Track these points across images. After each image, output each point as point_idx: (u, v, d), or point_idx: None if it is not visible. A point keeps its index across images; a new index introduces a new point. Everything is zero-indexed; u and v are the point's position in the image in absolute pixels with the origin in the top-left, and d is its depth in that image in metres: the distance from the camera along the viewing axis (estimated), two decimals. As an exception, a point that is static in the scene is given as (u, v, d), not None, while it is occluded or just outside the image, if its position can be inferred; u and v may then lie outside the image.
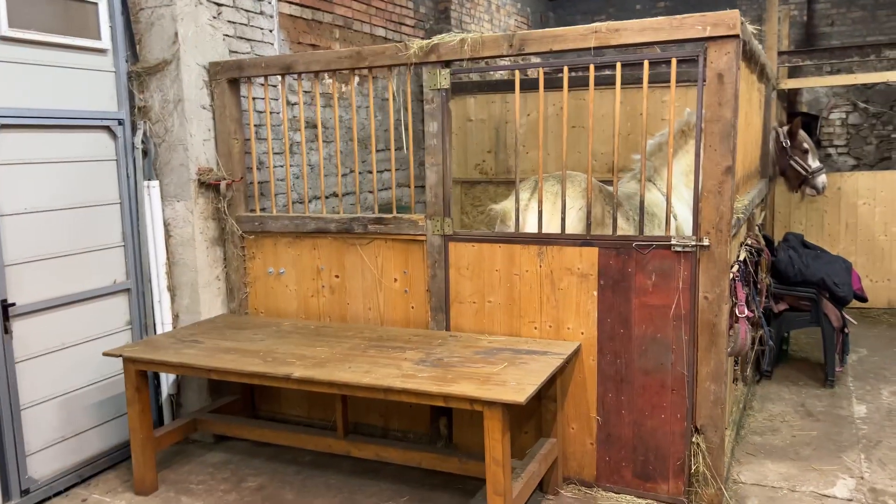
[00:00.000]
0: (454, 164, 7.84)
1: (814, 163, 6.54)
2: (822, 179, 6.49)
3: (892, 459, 4.27)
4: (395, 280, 4.41)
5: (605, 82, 6.90)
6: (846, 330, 5.50)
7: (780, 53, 8.07)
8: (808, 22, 10.66)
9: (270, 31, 5.38)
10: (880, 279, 7.45)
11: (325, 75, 5.95)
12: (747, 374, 4.76)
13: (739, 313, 3.81)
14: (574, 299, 3.91)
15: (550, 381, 3.66)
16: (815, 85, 9.09)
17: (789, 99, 9.75)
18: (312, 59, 4.37)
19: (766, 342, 4.80)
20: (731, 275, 3.79)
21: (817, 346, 6.16)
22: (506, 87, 7.39)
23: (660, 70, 7.98)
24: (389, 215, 4.34)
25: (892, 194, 7.38)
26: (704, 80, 3.52)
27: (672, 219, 4.60)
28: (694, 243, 3.60)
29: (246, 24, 5.11)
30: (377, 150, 6.75)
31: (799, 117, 6.91)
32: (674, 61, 3.62)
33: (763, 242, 5.02)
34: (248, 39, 5.14)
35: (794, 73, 9.34)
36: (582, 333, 3.91)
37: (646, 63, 3.70)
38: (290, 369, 3.59)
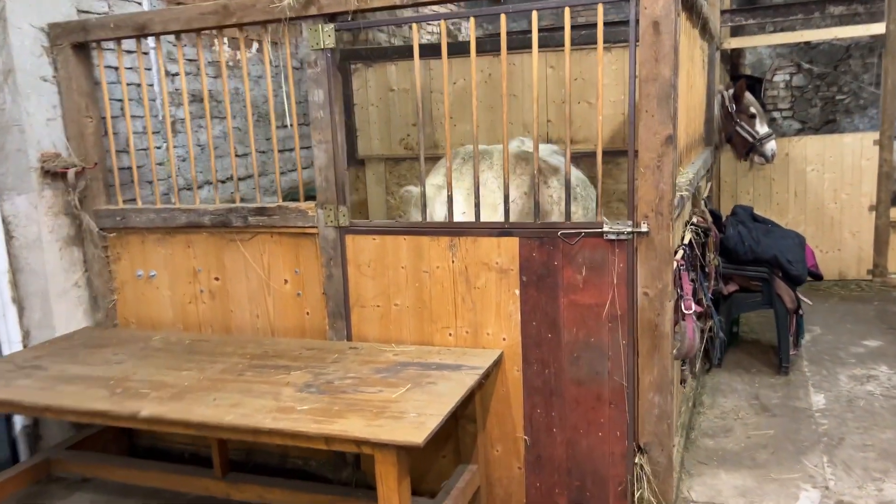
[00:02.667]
0: (376, 140, 7.13)
1: (762, 128, 6.03)
2: (771, 146, 5.99)
3: (857, 462, 3.80)
4: (286, 282, 3.70)
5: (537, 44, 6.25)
6: (801, 311, 5.02)
7: (723, 12, 7.54)
8: (750, -21, 10.17)
9: (136, -13, 4.53)
10: (830, 249, 7.05)
11: (225, 40, 5.14)
12: (696, 370, 4.23)
13: (686, 309, 3.24)
14: (493, 299, 3.28)
15: (467, 400, 3.03)
16: (761, 44, 8.61)
17: (732, 61, 9.26)
18: (171, 16, 3.57)
19: (716, 333, 4.27)
20: (676, 263, 3.20)
21: (769, 326, 5.70)
22: (430, 52, 6.66)
23: (593, 32, 7.34)
24: (273, 204, 3.62)
25: (840, 159, 6.95)
26: (637, 31, 2.88)
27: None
28: (630, 230, 2.99)
29: (101, -21, 4.26)
30: (280, 127, 5.97)
31: (743, 79, 6.37)
32: (600, 8, 2.97)
33: (710, 220, 4.47)
34: (106, -3, 4.29)
35: (736, 32, 8.84)
36: (504, 339, 3.28)
37: (566, 10, 3.04)
38: (139, 405, 2.87)
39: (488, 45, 6.43)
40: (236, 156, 5.64)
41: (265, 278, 3.73)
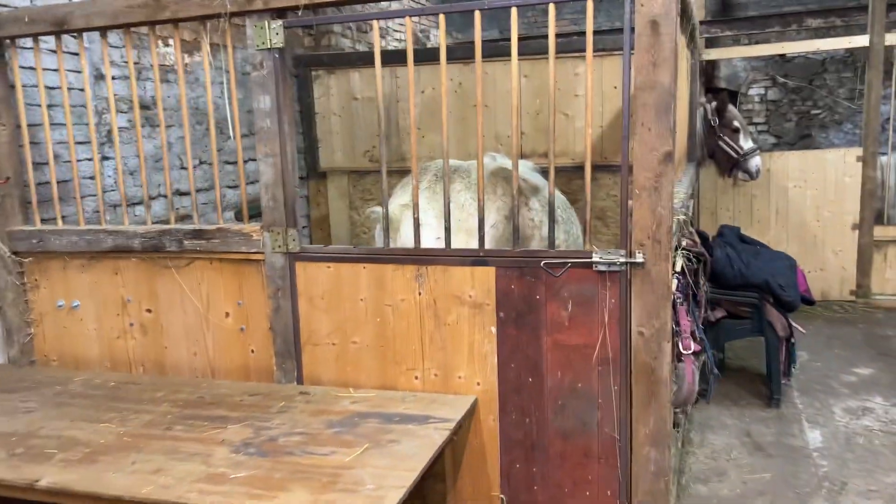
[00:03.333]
0: (339, 152, 6.67)
1: (746, 143, 5.74)
2: (755, 162, 5.69)
3: (865, 512, 3.45)
4: (227, 315, 3.23)
5: (507, 52, 5.89)
6: (793, 339, 4.69)
7: (700, 23, 7.27)
8: (724, -9, 9.97)
9: (65, -20, 4.02)
10: (813, 269, 6.78)
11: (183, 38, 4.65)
12: (690, 412, 3.85)
13: (684, 349, 2.85)
14: (466, 338, 2.85)
15: (436, 457, 2.60)
16: (741, 55, 8.37)
17: (706, 73, 9.03)
18: (94, 9, 3.10)
19: (710, 369, 3.90)
20: (672, 296, 2.81)
21: (754, 352, 5.38)
22: (397, 59, 6.24)
23: (571, 40, 7.02)
24: (212, 226, 3.15)
25: (823, 175, 6.70)
26: (633, 31, 2.50)
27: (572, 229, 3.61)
28: (623, 260, 2.59)
29: (22, -32, 3.75)
30: (237, 136, 5.49)
31: (725, 92, 6.08)
32: (590, 3, 2.58)
33: (699, 242, 4.11)
34: (27, -11, 3.78)
35: (711, 44, 8.61)
36: (478, 384, 2.86)
37: (551, 7, 2.64)
38: (40, 472, 2.38)
39: (459, 53, 6.04)
40: (182, 168, 5.15)
41: (203, 311, 3.25)
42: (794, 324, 4.66)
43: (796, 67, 9.67)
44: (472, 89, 5.89)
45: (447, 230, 2.81)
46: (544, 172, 5.66)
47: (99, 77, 4.39)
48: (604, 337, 2.66)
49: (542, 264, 2.65)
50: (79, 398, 3.06)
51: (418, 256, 2.85)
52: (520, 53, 5.98)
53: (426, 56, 5.62)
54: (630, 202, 2.62)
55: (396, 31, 8.62)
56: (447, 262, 2.81)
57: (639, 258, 2.56)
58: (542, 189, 3.62)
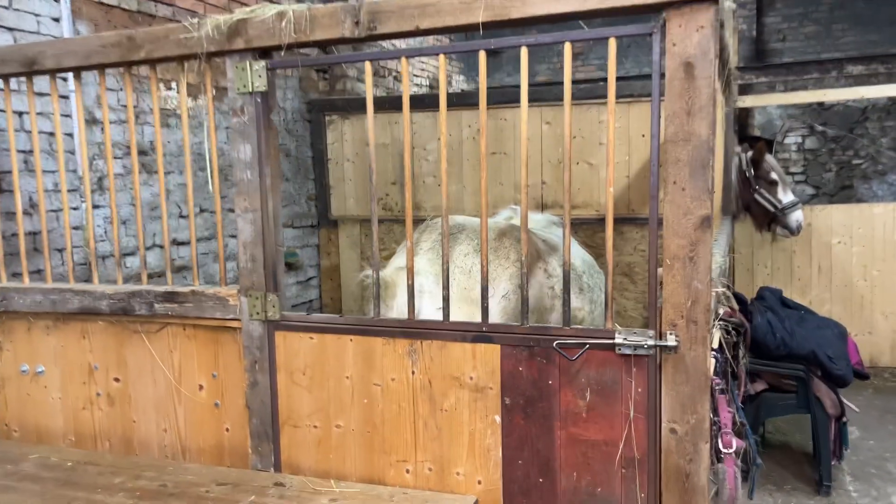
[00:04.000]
0: (352, 199, 6.38)
1: (785, 196, 5.30)
2: (796, 217, 5.24)
3: None
4: (201, 388, 2.86)
5: (530, 99, 5.58)
6: (845, 418, 4.18)
7: (735, 69, 6.91)
8: (758, 38, 9.63)
9: (55, 20, 3.82)
10: (860, 332, 6.24)
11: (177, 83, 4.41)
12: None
13: (725, 447, 2.40)
14: (466, 427, 2.44)
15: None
16: (784, 102, 7.97)
17: (740, 121, 8.65)
18: (65, 49, 2.82)
19: (752, 459, 3.41)
20: (710, 382, 2.38)
21: (798, 426, 4.86)
22: (412, 103, 5.96)
23: (597, 86, 6.68)
24: (186, 288, 2.80)
25: (870, 231, 6.20)
26: (662, 76, 2.13)
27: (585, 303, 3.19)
28: (652, 343, 2.18)
29: (6, 7, 3.54)
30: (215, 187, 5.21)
31: (763, 141, 5.68)
32: (612, 42, 2.21)
33: (737, 308, 3.67)
34: (11, 29, 3.56)
35: (745, 91, 8.24)
36: (479, 483, 2.43)
37: (567, 46, 2.29)
38: (-50, 587, 2.00)
39: (475, 98, 5.75)
40: (182, 217, 4.87)
41: (175, 382, 2.89)
42: (845, 400, 4.15)
43: (835, 115, 9.23)
44: (491, 136, 5.58)
45: (445, 300, 2.43)
46: (578, 224, 5.32)
47: (92, 121, 4.15)
48: (629, 433, 2.23)
49: (554, 344, 2.24)
50: (27, 482, 2.69)
51: (411, 329, 2.46)
52: (542, 99, 5.69)
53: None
54: (659, 271, 2.21)
55: (417, 75, 8.41)
56: (445, 337, 2.42)
57: (670, 341, 2.14)
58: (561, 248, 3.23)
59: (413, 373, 2.47)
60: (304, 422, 2.67)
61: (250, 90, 2.57)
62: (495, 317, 2.69)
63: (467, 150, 5.74)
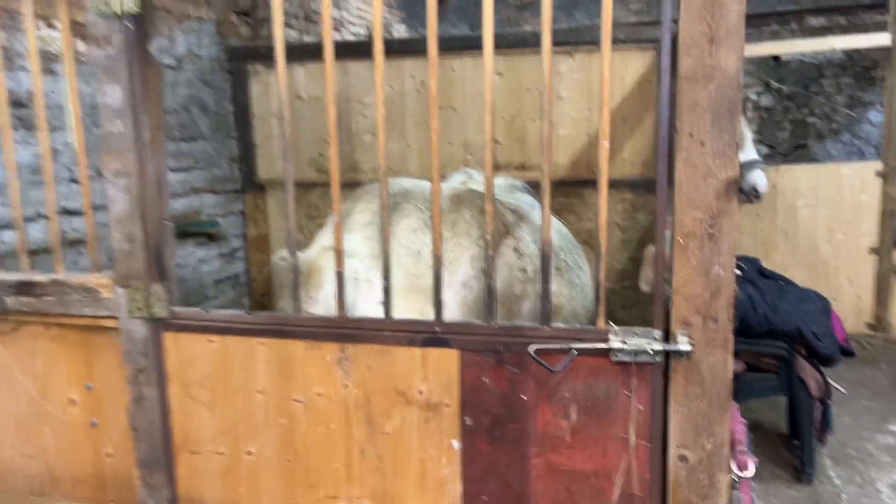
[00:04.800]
0: (281, 160, 5.69)
1: (744, 154, 4.80)
2: (755, 178, 4.57)
3: None
4: (73, 402, 2.23)
5: (478, 45, 4.97)
6: (829, 400, 3.81)
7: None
8: (713, -12, 9.18)
9: None
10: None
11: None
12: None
13: (740, 469, 1.91)
14: (415, 454, 1.88)
15: None
16: (746, 54, 7.54)
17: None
18: None
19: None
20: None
21: (769, 405, 4.51)
22: (347, 52, 5.29)
23: (556, 27, 6.10)
24: (45, 277, 2.14)
25: (837, 193, 5.87)
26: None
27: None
28: (658, 347, 1.65)
29: None
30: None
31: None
32: (613, -60, 1.63)
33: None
34: None
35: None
36: (432, 524, 1.90)
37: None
38: None
39: (421, 46, 5.10)
40: (73, 182, 4.11)
41: (39, 395, 2.24)
42: (831, 381, 3.78)
43: (791, 72, 8.91)
44: (438, 88, 4.96)
45: (386, 291, 1.84)
46: (535, 188, 4.78)
47: None
48: (627, 462, 1.72)
49: (531, 350, 1.69)
50: None
51: (342, 330, 1.88)
52: (494, 47, 5.09)
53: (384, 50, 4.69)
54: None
55: (353, 23, 7.66)
56: (386, 340, 1.85)
57: (682, 344, 1.62)
58: (538, 218, 2.65)
59: (345, 386, 1.89)
60: (207, 447, 2.07)
61: (117, 12, 1.89)
62: (453, 311, 2.11)
63: (411, 104, 5.12)
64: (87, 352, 2.17)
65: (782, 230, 6.05)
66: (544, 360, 1.70)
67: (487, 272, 1.77)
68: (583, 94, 4.71)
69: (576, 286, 2.53)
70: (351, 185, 4.38)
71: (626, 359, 1.67)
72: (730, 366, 1.64)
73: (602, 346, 1.67)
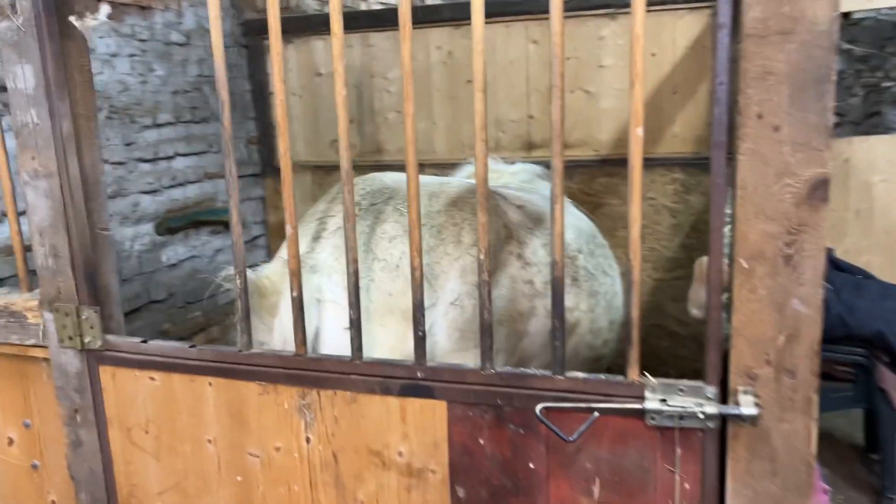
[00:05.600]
0: (301, 142, 5.30)
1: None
2: None
3: None
4: (11, 442, 1.90)
5: (512, 11, 4.47)
6: (917, 416, 3.27)
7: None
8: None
9: None
10: (904, 287, 5.29)
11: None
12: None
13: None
14: (395, 527, 1.49)
15: None
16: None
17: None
18: None
19: None
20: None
21: (848, 412, 3.98)
22: (369, 21, 4.86)
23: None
24: (-35, 298, 1.80)
25: (921, 167, 5.20)
26: None
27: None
28: (713, 409, 1.20)
29: None
30: (151, 126, 4.19)
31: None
32: None
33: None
34: None
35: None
36: None
37: None
38: None
39: (447, 13, 4.64)
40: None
41: (-26, 433, 1.92)
42: (919, 394, 3.24)
43: (864, 31, 8.09)
44: (467, 60, 4.49)
45: (354, 324, 1.43)
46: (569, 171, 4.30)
47: None
48: (667, 557, 1.28)
49: (538, 411, 1.26)
50: None
51: (301, 371, 1.48)
52: (527, 12, 4.55)
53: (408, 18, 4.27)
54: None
55: (377, -10, 7.19)
56: (355, 386, 1.44)
57: (745, 406, 1.17)
58: (546, 218, 2.17)
59: (308, 440, 1.50)
60: (154, 502, 1.72)
61: (21, -30, 1.51)
62: (440, 338, 1.67)
63: (437, 78, 4.66)
64: (23, 383, 1.84)
65: (854, 209, 5.41)
66: (557, 423, 1.27)
67: (483, 302, 1.34)
68: (625, 63, 4.19)
69: (598, 296, 2.05)
70: (377, 169, 4.00)
71: (669, 424, 1.23)
72: (813, 435, 1.19)
73: (634, 406, 1.23)
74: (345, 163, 1.39)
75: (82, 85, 1.63)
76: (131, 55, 4.12)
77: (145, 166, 4.24)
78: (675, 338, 4.14)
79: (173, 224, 4.42)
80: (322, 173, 5.15)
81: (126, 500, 1.74)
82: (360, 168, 4.80)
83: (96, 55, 3.88)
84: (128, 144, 4.14)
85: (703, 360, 1.22)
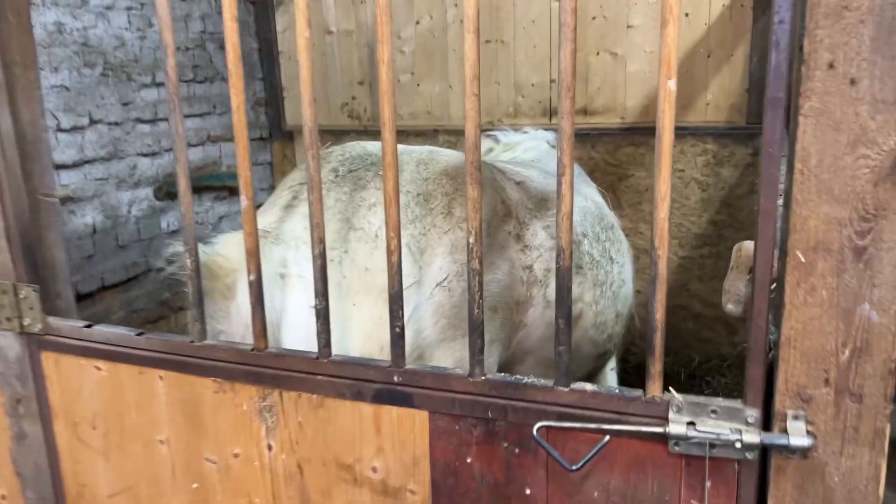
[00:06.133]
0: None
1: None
2: None
3: None
4: (-45, 430, 1.72)
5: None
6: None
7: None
8: None
9: None
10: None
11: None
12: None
13: None
14: (367, 551, 1.28)
15: None
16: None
17: None
18: None
19: None
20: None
21: None
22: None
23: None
24: None
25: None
26: None
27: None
28: (754, 438, 0.96)
29: None
30: (149, 86, 3.96)
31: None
32: None
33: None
34: None
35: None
36: None
37: None
38: None
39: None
40: (61, 131, 3.62)
41: (-82, 418, 1.74)
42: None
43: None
44: (487, 17, 4.20)
45: (321, 315, 1.20)
46: (580, 139, 4.00)
47: None
48: None
49: (535, 432, 1.03)
50: None
51: (260, 368, 1.26)
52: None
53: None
54: (777, 288, 0.97)
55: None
56: (322, 389, 1.22)
57: (795, 435, 0.93)
58: (551, 194, 1.89)
59: (269, 447, 1.29)
60: (105, 503, 1.52)
61: None
62: (424, 325, 1.42)
63: (454, 38, 4.38)
64: (-35, 367, 1.64)
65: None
66: (559, 443, 1.03)
67: (473, 295, 1.10)
68: (657, 23, 3.86)
69: (604, 286, 1.78)
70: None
71: (697, 452, 0.98)
72: (882, 474, 0.94)
73: (655, 429, 0.99)
74: (308, 121, 1.15)
75: (19, 28, 1.40)
76: (128, 8, 3.88)
77: (144, 127, 4.03)
78: (700, 320, 3.87)
79: (173, 189, 4.22)
80: (331, 138, 4.89)
81: (76, 500, 1.55)
82: (372, 134, 4.56)
83: (89, 7, 3.64)
84: (125, 104, 3.92)
85: (741, 372, 0.98)
